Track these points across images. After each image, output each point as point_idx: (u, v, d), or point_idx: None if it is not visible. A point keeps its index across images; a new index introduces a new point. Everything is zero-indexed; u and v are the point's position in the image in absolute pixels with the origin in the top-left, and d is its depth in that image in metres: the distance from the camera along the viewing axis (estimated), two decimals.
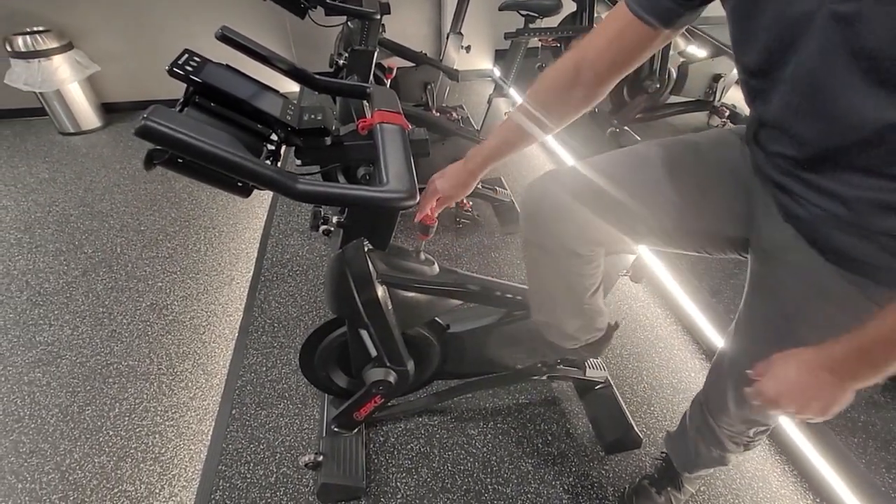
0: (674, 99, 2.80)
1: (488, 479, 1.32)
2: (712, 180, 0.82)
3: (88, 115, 3.21)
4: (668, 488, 1.23)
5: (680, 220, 0.83)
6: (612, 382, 1.48)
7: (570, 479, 1.33)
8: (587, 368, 1.43)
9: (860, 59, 0.50)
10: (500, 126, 0.89)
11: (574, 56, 0.77)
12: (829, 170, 0.61)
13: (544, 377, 1.40)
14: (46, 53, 2.85)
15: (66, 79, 2.95)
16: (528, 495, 1.29)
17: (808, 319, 0.71)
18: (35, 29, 2.87)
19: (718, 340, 1.61)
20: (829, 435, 1.31)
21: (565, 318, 1.01)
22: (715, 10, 0.72)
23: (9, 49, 2.81)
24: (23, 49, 2.81)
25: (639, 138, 2.78)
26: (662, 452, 1.30)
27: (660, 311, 1.87)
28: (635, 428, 1.38)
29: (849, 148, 0.57)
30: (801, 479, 1.33)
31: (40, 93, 2.98)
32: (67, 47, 2.97)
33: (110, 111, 3.38)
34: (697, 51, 2.69)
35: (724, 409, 0.93)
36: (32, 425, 1.46)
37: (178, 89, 0.74)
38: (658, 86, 2.63)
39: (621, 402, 1.44)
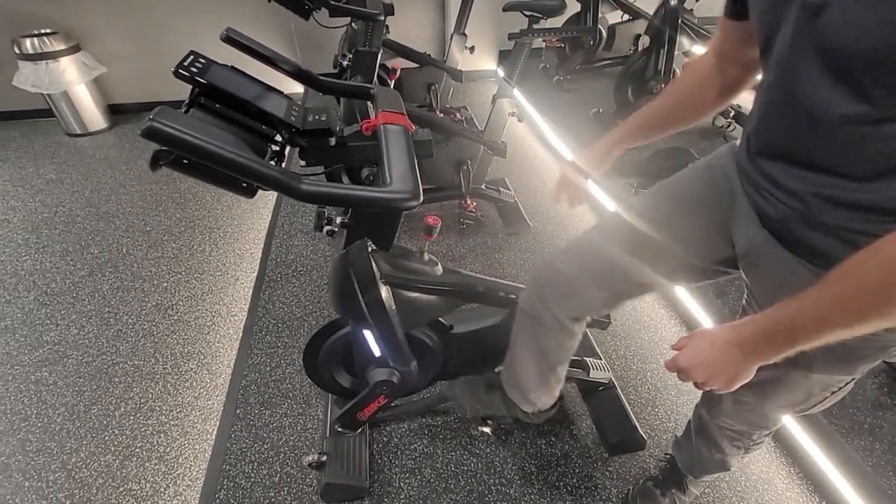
0: None
1: (491, 480, 1.32)
2: (699, 208, 0.86)
3: (95, 117, 3.24)
4: (673, 490, 1.22)
5: (688, 254, 0.87)
6: (616, 384, 1.48)
7: (574, 481, 1.32)
8: (591, 369, 1.43)
9: (821, 51, 0.52)
10: (637, 113, 0.94)
11: (713, 43, 0.83)
12: (789, 165, 0.64)
13: None
14: (54, 55, 2.89)
15: (73, 80, 2.98)
16: (532, 496, 1.28)
17: None
18: (43, 31, 2.90)
19: None
20: (836, 437, 1.30)
21: (532, 383, 1.08)
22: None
23: (17, 51, 2.84)
24: (31, 51, 2.84)
25: None
26: (667, 454, 1.30)
27: (664, 312, 1.86)
28: (639, 429, 1.37)
29: (806, 141, 0.59)
30: (806, 481, 1.32)
31: (48, 94, 3.01)
32: (74, 49, 3.00)
33: (116, 112, 3.41)
34: (703, 51, 2.68)
35: (721, 409, 0.95)
36: (39, 424, 1.47)
37: (183, 91, 0.75)
38: (663, 86, 2.63)
39: (625, 403, 1.43)
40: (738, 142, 0.84)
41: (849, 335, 0.53)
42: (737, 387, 0.65)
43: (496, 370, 1.29)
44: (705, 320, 1.68)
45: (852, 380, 0.76)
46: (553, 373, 1.06)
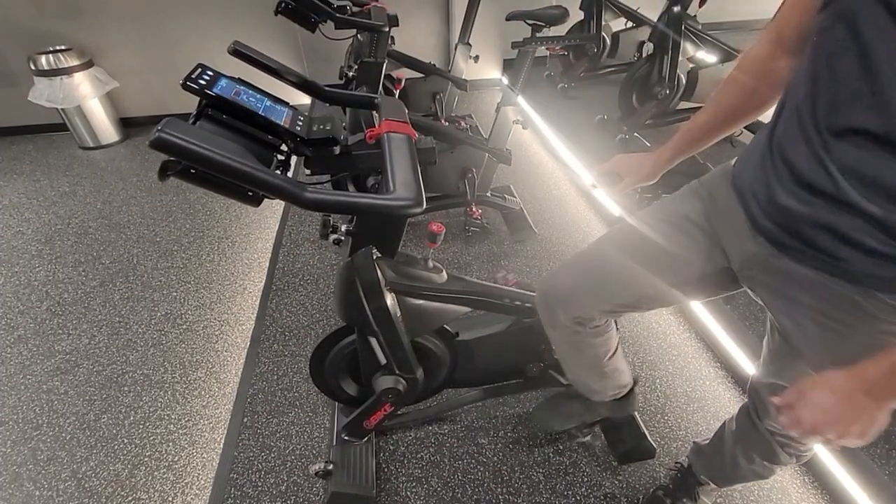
0: (684, 105, 2.79)
1: (499, 489, 1.31)
2: (688, 224, 0.86)
3: (107, 130, 3.30)
4: (684, 499, 1.20)
5: (685, 270, 0.87)
6: None
7: (583, 490, 1.31)
8: None
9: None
10: (690, 124, 0.93)
11: (770, 30, 0.79)
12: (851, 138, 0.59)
13: (557, 386, 1.39)
14: (68, 71, 2.95)
15: (86, 95, 3.05)
16: None
17: (798, 330, 0.73)
18: (57, 48, 2.98)
19: (733, 349, 1.58)
20: None
21: (591, 378, 1.14)
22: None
23: (32, 67, 2.92)
24: (46, 67, 2.91)
25: (648, 144, 2.77)
26: (677, 463, 1.28)
27: (672, 318, 1.84)
28: (649, 437, 1.35)
29: (865, 100, 0.55)
30: (822, 490, 1.29)
31: (62, 109, 3.08)
32: (88, 65, 3.07)
33: (128, 125, 3.48)
34: (707, 56, 2.68)
35: (768, 414, 0.93)
36: (50, 433, 1.49)
37: (194, 103, 0.76)
38: (667, 92, 2.63)
39: None
40: (731, 162, 0.84)
41: None
42: (873, 437, 0.61)
43: (565, 383, 1.34)
44: (714, 327, 1.66)
45: None
46: (602, 366, 1.08)
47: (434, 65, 2.74)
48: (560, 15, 1.93)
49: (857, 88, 0.56)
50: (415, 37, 3.61)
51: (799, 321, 0.73)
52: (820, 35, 0.61)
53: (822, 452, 1.28)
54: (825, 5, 0.61)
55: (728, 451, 1.06)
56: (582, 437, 1.36)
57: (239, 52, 0.96)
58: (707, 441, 1.17)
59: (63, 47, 2.99)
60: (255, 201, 0.71)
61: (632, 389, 1.21)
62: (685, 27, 2.56)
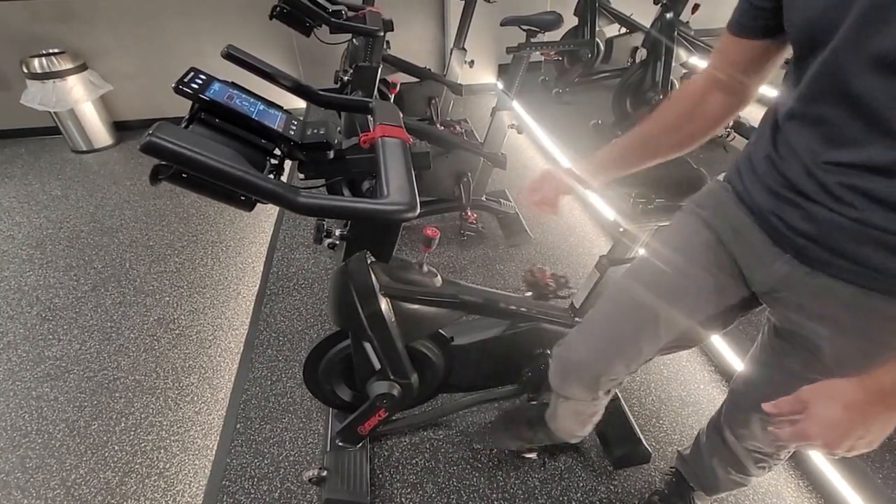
0: None
1: (494, 495, 1.30)
2: (700, 258, 0.81)
3: (101, 134, 3.28)
4: None
5: (704, 309, 0.83)
6: (619, 395, 1.46)
7: (578, 495, 1.30)
8: None
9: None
10: (619, 140, 0.90)
11: (707, 70, 0.79)
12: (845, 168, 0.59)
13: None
14: (61, 74, 2.94)
15: (79, 98, 3.03)
16: None
17: (835, 350, 0.70)
18: (50, 51, 2.96)
19: (727, 352, 1.59)
20: None
21: (578, 429, 1.11)
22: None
23: (25, 71, 2.90)
24: (38, 71, 2.89)
25: None
26: (672, 468, 1.28)
27: None
28: (644, 442, 1.35)
29: (864, 141, 0.55)
30: (816, 494, 1.29)
31: (55, 112, 3.06)
32: (81, 68, 3.06)
33: (122, 129, 3.46)
34: (699, 62, 2.71)
35: (750, 434, 0.90)
36: (39, 440, 1.47)
37: (189, 107, 0.76)
38: (661, 97, 2.65)
39: (629, 415, 1.41)
40: (720, 177, 0.81)
41: None
42: (883, 440, 0.58)
43: (531, 402, 1.35)
44: None
45: None
46: (594, 416, 1.09)
47: (429, 69, 2.75)
48: (554, 20, 1.95)
49: (850, 129, 0.56)
50: (410, 41, 3.62)
51: (837, 341, 0.68)
52: (806, 83, 0.61)
53: (816, 456, 1.29)
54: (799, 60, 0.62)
55: (706, 463, 1.07)
56: (531, 454, 1.35)
57: (233, 56, 0.96)
58: (688, 451, 1.17)
59: (56, 50, 2.97)
60: (248, 206, 0.70)
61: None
62: (678, 33, 2.59)
